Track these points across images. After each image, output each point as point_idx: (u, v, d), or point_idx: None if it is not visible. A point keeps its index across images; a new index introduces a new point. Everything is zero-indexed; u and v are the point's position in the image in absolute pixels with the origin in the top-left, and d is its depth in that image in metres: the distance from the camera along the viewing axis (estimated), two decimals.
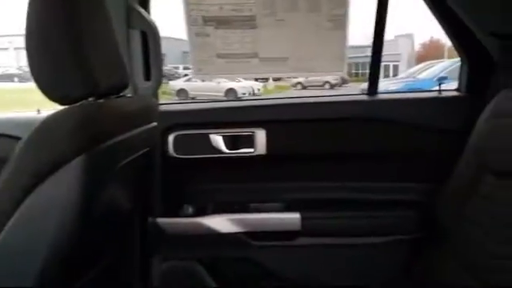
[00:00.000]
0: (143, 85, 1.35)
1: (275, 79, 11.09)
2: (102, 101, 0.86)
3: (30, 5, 0.79)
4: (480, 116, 1.18)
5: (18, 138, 0.83)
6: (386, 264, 1.44)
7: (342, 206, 1.48)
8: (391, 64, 13.33)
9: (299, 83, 11.68)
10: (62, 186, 0.77)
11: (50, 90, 0.81)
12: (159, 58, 1.33)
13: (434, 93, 1.51)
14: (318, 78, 10.68)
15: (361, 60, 10.93)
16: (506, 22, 1.27)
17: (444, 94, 1.50)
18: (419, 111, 1.47)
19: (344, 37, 1.41)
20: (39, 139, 0.77)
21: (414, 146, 1.46)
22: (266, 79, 10.31)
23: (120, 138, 0.89)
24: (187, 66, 7.41)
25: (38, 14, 0.79)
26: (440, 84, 1.48)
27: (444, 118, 1.43)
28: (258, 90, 10.58)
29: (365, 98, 1.53)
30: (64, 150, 0.76)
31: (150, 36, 1.32)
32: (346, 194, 1.52)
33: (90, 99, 0.83)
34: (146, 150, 1.09)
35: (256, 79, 10.41)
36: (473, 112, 1.23)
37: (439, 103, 1.49)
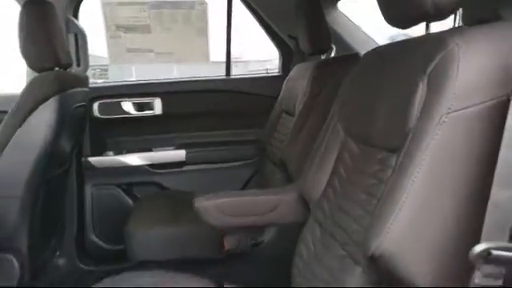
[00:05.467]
0: (77, 68, 2.07)
1: None
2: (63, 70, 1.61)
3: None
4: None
5: None
6: (240, 177, 2.30)
7: (212, 145, 2.32)
8: None
9: None
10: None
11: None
12: (86, 52, 2.05)
13: (264, 74, 2.45)
14: None
15: None
16: (291, 28, 2.22)
17: (270, 74, 2.44)
18: (256, 85, 2.35)
19: (206, 41, 2.28)
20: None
21: (253, 106, 2.34)
22: None
23: (73, 90, 1.63)
24: None
25: None
26: (267, 69, 2.42)
27: (271, 89, 2.30)
28: None
29: (223, 77, 2.39)
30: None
31: (80, 37, 2.03)
32: (215, 138, 2.37)
33: (56, 69, 1.56)
34: (82, 103, 1.81)
35: None
36: None
37: (268, 80, 2.41)
